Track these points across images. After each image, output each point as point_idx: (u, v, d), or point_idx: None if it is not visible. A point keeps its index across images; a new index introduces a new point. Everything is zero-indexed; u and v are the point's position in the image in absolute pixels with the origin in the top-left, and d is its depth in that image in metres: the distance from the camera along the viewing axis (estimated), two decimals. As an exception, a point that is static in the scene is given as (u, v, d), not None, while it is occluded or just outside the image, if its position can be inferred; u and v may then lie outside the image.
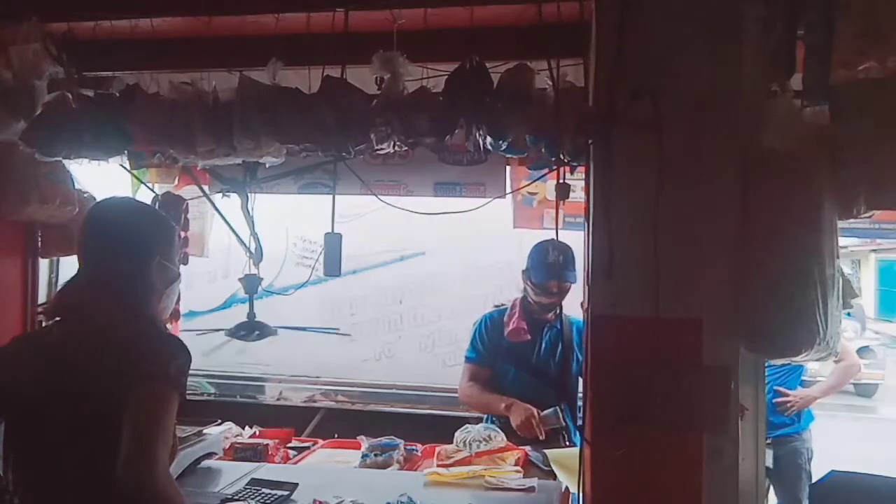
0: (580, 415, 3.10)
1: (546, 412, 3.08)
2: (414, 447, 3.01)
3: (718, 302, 1.90)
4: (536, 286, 3.23)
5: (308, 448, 3.19)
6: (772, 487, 3.91)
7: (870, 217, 3.32)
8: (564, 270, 3.12)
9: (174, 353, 1.64)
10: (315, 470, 2.88)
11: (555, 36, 2.11)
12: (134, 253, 1.74)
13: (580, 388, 3.16)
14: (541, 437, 3.04)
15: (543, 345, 3.28)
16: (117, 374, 1.57)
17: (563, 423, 3.14)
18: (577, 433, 2.85)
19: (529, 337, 3.24)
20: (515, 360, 3.28)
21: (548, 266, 3.15)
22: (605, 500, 1.99)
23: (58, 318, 1.76)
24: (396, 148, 2.35)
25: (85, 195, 2.97)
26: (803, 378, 4.17)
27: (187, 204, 3.08)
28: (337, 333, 4.60)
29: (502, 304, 3.45)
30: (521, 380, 3.24)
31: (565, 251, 3.11)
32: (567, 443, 3.09)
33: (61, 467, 1.61)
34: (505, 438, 2.92)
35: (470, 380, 3.33)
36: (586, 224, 2.12)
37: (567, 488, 2.51)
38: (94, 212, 1.90)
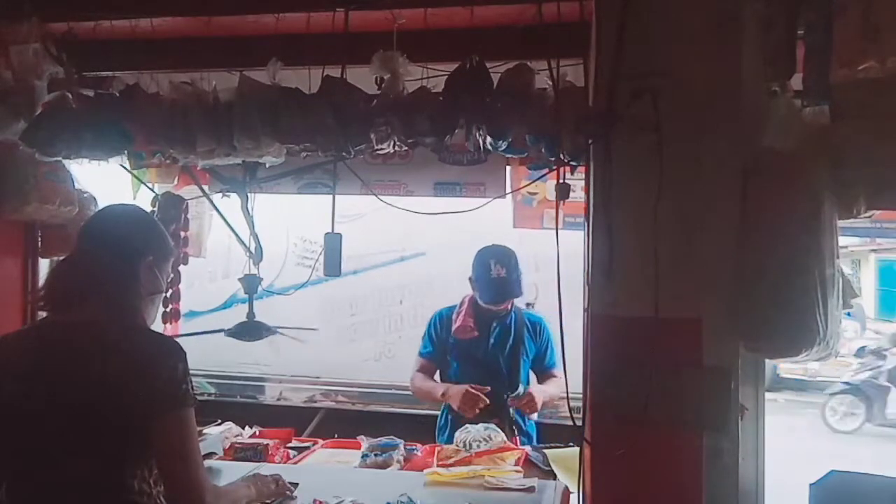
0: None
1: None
2: (414, 447, 3.00)
3: (718, 302, 1.89)
4: (483, 301, 3.25)
5: (308, 448, 3.18)
6: None
7: (870, 217, 3.32)
8: (509, 286, 3.16)
9: (176, 363, 1.60)
10: (315, 470, 2.87)
11: (555, 36, 2.11)
12: (127, 254, 1.72)
13: (530, 381, 3.28)
14: (486, 403, 3.03)
15: (492, 339, 3.28)
16: (121, 384, 1.55)
17: (512, 417, 3.17)
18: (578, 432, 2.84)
19: (477, 333, 3.25)
20: (462, 355, 3.29)
21: (491, 283, 3.17)
22: (605, 500, 1.99)
23: (46, 317, 1.74)
24: (396, 148, 2.36)
25: (85, 195, 2.98)
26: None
27: (187, 204, 3.08)
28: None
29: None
30: (466, 374, 3.23)
31: (508, 261, 3.15)
32: (514, 437, 3.10)
33: (54, 471, 1.57)
34: (505, 438, 2.91)
35: (418, 372, 3.38)
36: (586, 224, 2.12)
37: (567, 488, 2.51)
38: (97, 216, 1.94)
